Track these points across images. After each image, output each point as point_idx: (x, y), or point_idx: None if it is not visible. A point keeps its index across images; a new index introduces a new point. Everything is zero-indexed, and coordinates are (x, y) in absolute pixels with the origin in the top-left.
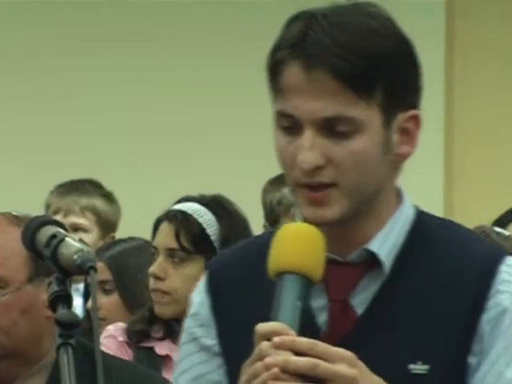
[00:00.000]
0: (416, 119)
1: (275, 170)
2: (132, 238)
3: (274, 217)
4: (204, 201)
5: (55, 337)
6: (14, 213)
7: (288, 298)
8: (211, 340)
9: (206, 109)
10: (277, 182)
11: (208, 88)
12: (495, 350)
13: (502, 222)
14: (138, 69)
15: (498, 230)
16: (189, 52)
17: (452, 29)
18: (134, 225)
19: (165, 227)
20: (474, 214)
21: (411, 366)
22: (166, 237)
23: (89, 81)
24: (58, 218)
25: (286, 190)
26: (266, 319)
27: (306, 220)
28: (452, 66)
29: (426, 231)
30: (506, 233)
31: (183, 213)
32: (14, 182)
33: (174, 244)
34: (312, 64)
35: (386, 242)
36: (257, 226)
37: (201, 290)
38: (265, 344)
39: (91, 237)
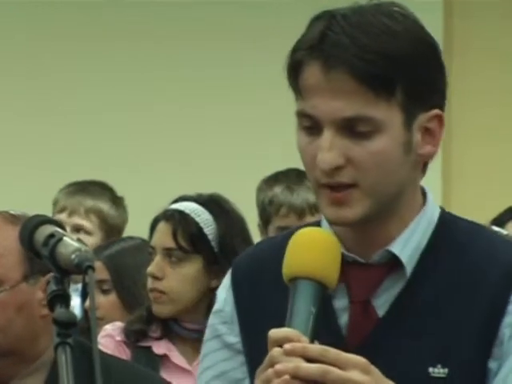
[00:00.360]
0: (439, 119)
1: (274, 169)
2: (130, 238)
3: (267, 216)
4: (201, 200)
5: (53, 336)
6: (11, 212)
7: (302, 304)
8: (234, 337)
9: (206, 109)
10: (270, 182)
11: (208, 88)
12: None
13: (500, 221)
14: (137, 69)
15: (495, 229)
16: (189, 52)
17: (450, 29)
18: (134, 224)
19: (162, 227)
20: (471, 213)
21: (431, 370)
22: (163, 236)
23: (89, 81)
24: (63, 217)
25: (277, 189)
26: (281, 320)
27: (328, 220)
28: (450, 66)
29: (450, 233)
30: (504, 232)
31: (180, 212)
32: (13, 183)
33: (171, 244)
34: (331, 64)
35: (409, 244)
36: (255, 225)
37: (225, 286)
38: (276, 350)
39: (93, 239)
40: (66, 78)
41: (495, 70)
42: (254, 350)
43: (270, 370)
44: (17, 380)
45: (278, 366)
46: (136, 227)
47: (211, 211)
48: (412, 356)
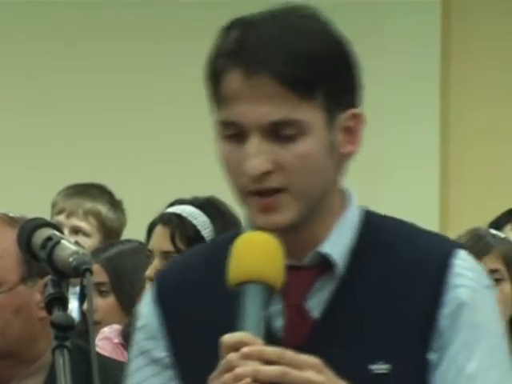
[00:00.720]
0: (358, 117)
1: None
2: (128, 240)
3: None
4: (197, 203)
5: (51, 338)
6: (10, 214)
7: (252, 308)
8: (161, 352)
9: (206, 109)
10: None
11: None
12: (455, 345)
13: (497, 223)
14: (138, 69)
15: (493, 232)
16: (189, 52)
17: (448, 29)
18: (134, 224)
19: (159, 230)
20: (469, 215)
21: (372, 367)
22: (160, 240)
23: (89, 81)
24: (61, 218)
25: None
26: (220, 328)
27: (258, 228)
28: (448, 66)
29: (376, 230)
30: (502, 235)
31: (177, 215)
32: (13, 183)
33: (169, 247)
34: (253, 69)
35: (337, 244)
36: None
37: (149, 301)
38: (233, 355)
39: (91, 241)
40: (65, 78)
41: (493, 71)
42: (187, 363)
43: (229, 375)
44: (15, 382)
45: (237, 370)
46: (136, 227)
47: (208, 214)
48: (352, 354)
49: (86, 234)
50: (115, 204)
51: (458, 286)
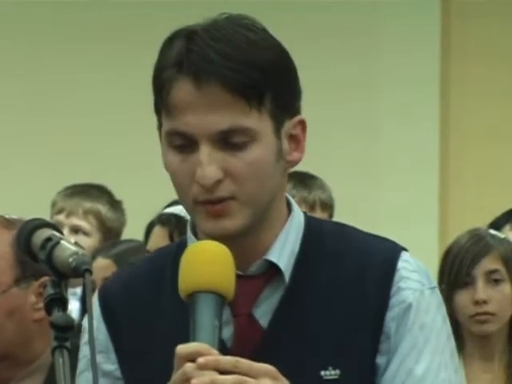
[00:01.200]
0: (302, 125)
1: None
2: (131, 240)
3: None
4: None
5: (50, 339)
6: (6, 216)
7: (205, 318)
8: (111, 365)
9: None
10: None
11: None
12: (403, 347)
13: (497, 224)
14: (138, 69)
15: (492, 232)
16: None
17: (447, 29)
18: (135, 223)
19: (158, 231)
20: (469, 216)
21: (322, 373)
22: (159, 240)
23: (89, 81)
24: (61, 218)
25: (289, 185)
26: (167, 340)
27: (206, 235)
28: (447, 67)
29: (320, 236)
30: (501, 235)
31: (176, 216)
32: (13, 183)
33: None
34: (202, 78)
35: (284, 251)
36: None
37: (95, 316)
38: (189, 366)
39: (91, 241)
40: (66, 78)
41: (493, 71)
42: (134, 376)
43: None
44: (13, 383)
45: (194, 381)
46: (136, 226)
47: None
48: (302, 362)
49: (85, 234)
50: (115, 204)
51: (403, 288)
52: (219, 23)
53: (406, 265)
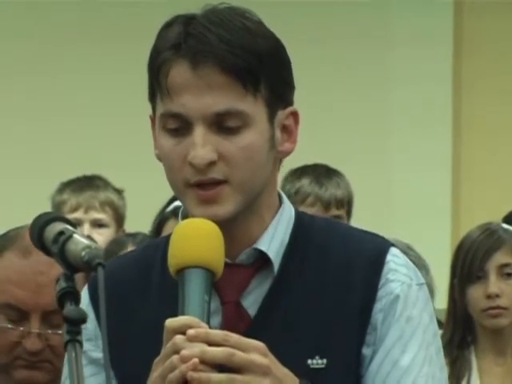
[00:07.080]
0: (295, 116)
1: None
2: (139, 233)
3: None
4: None
5: (63, 333)
6: None
7: (195, 292)
8: (100, 353)
9: None
10: (297, 173)
11: None
12: (389, 338)
13: (510, 218)
14: (138, 69)
15: (504, 226)
16: None
17: (460, 27)
18: (135, 223)
19: (172, 224)
20: (481, 211)
21: (309, 361)
22: None
23: (89, 81)
24: (79, 215)
25: (305, 181)
26: (153, 328)
27: None
28: (460, 65)
29: (310, 230)
30: None
31: None
32: (13, 183)
33: None
34: (199, 59)
35: (274, 241)
36: None
37: (84, 303)
38: (179, 337)
39: (110, 231)
40: (66, 79)
41: (505, 69)
42: (124, 362)
43: (175, 357)
44: None
45: (184, 352)
46: (136, 225)
47: None
48: (289, 350)
49: (106, 225)
50: (119, 191)
51: (391, 280)
52: (218, 10)
53: (395, 259)
